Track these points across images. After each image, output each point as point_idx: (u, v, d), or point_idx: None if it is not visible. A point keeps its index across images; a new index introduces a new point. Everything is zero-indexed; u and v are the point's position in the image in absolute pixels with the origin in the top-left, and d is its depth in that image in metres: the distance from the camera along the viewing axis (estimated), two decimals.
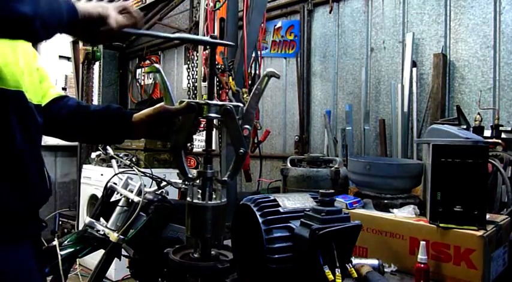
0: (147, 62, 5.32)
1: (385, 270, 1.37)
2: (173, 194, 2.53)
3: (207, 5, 2.55)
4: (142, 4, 3.62)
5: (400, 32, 3.02)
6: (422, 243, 1.27)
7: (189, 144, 3.74)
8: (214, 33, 2.56)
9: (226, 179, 1.05)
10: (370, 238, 1.48)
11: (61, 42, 4.60)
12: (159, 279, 2.07)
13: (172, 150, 1.04)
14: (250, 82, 2.53)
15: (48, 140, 4.12)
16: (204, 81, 2.61)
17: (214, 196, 1.04)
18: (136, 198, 2.08)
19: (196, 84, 3.27)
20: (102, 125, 1.11)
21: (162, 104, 1.05)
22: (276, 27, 3.75)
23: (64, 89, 5.20)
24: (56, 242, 1.89)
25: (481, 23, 2.62)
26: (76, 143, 4.57)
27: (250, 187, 3.65)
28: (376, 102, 3.13)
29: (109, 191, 2.19)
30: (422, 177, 1.74)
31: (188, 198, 1.03)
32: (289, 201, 1.13)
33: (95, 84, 4.94)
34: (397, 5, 3.03)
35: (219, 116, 1.00)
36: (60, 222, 4.54)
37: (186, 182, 2.08)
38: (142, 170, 2.23)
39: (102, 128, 1.12)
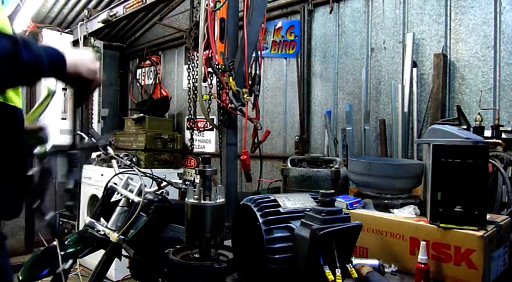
0: (148, 62, 5.32)
1: (386, 270, 1.37)
2: (173, 194, 2.53)
3: (207, 5, 2.54)
4: (142, 4, 3.61)
5: (400, 32, 3.01)
6: (423, 243, 1.27)
7: (189, 145, 3.76)
8: (214, 33, 2.56)
9: None
10: (371, 238, 1.48)
11: (61, 42, 4.59)
12: (159, 279, 2.07)
13: None
14: (250, 82, 2.53)
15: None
16: (204, 81, 2.61)
17: (214, 196, 1.04)
18: (136, 199, 2.08)
19: (196, 84, 3.27)
20: None
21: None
22: (276, 27, 3.75)
23: (64, 89, 5.18)
24: (56, 242, 1.89)
25: (481, 23, 2.62)
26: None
27: (251, 187, 3.65)
28: (377, 102, 3.13)
29: (109, 191, 2.20)
30: (423, 178, 1.74)
31: (187, 199, 1.03)
32: (289, 202, 1.13)
33: None
34: (398, 5, 3.03)
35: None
36: (61, 223, 4.54)
37: (186, 182, 2.09)
38: (142, 170, 2.23)
39: None
